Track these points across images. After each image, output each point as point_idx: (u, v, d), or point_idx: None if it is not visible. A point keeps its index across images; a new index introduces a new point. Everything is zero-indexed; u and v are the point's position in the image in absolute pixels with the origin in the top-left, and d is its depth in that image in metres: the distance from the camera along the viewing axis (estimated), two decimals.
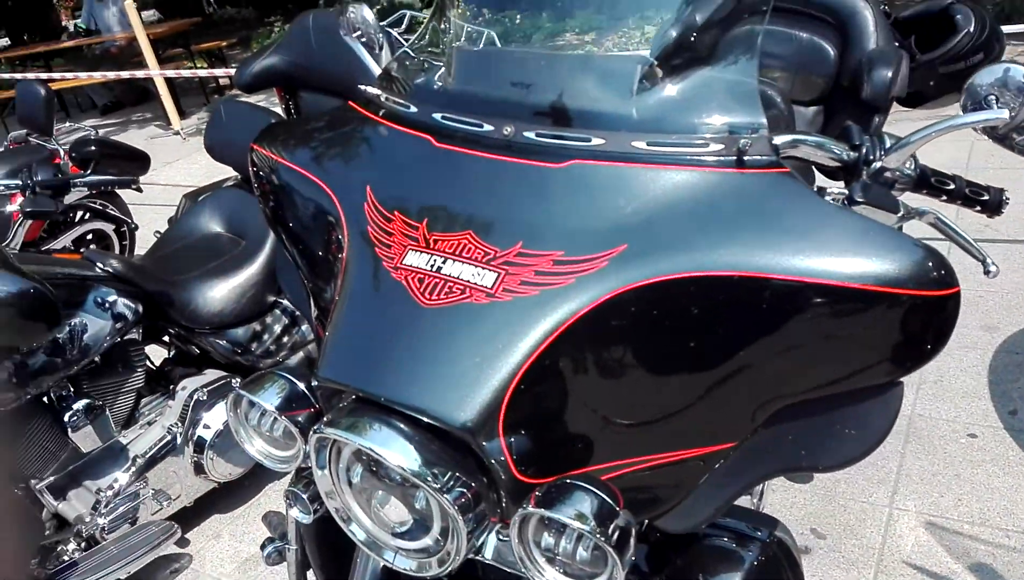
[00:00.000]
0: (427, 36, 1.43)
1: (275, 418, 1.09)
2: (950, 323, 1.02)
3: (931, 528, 2.04)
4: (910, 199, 1.20)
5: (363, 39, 1.82)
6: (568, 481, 0.96)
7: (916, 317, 1.00)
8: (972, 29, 2.17)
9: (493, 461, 0.95)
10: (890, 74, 2.01)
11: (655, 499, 1.07)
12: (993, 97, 1.13)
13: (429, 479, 0.92)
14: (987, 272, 1.19)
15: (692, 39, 1.46)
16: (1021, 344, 2.69)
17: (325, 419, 0.99)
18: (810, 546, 2.04)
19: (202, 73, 6.98)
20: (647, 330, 1.01)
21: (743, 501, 1.63)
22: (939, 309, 1.00)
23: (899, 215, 1.15)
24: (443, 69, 1.34)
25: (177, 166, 6.21)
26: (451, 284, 1.00)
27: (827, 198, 1.18)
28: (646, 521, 1.10)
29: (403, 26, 2.67)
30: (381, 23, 2.72)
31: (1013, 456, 2.24)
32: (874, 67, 2.02)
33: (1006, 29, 4.71)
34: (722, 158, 1.06)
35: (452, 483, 0.93)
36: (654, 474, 1.05)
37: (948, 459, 2.26)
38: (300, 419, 1.08)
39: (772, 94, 1.94)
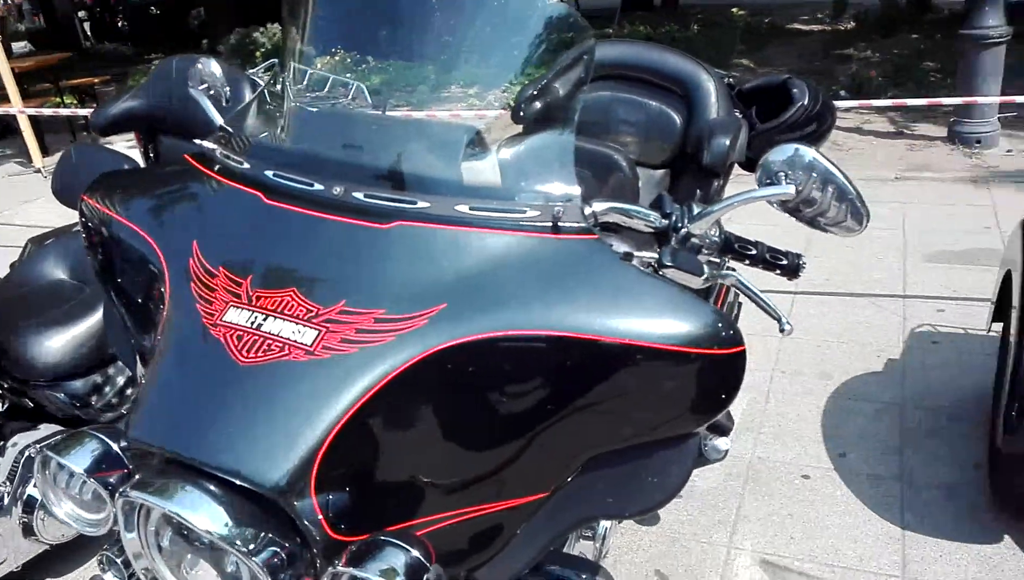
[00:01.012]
0: (275, 89, 1.45)
1: (84, 480, 1.07)
2: (739, 377, 1.12)
3: (765, 566, 2.15)
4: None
5: (211, 92, 1.82)
6: (381, 538, 0.98)
7: (710, 373, 1.09)
8: (807, 102, 2.38)
9: (305, 521, 0.96)
10: (728, 142, 2.18)
11: (472, 551, 1.11)
12: (783, 174, 1.25)
13: (237, 542, 0.92)
14: (782, 330, 1.29)
15: (537, 105, 1.55)
16: (852, 390, 2.90)
17: (132, 482, 0.97)
18: None
19: (64, 112, 6.70)
20: (463, 387, 1.05)
21: (586, 546, 1.69)
22: (730, 365, 1.09)
23: (703, 277, 1.24)
24: (281, 126, 1.36)
25: (37, 205, 5.89)
26: (270, 341, 1.02)
27: (637, 263, 1.26)
28: (463, 574, 1.13)
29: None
30: (250, 71, 2.71)
31: (841, 495, 2.40)
32: (714, 135, 2.18)
33: (852, 103, 5.14)
34: (538, 224, 1.12)
35: (262, 545, 0.94)
36: (471, 527, 1.09)
37: (783, 500, 2.40)
38: (111, 481, 1.06)
39: (618, 158, 2.06)
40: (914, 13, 8.83)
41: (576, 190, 1.15)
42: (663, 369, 1.06)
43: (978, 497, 2.32)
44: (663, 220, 1.26)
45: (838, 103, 4.19)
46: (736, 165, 2.35)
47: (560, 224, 1.11)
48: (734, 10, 9.51)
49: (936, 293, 3.51)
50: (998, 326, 2.54)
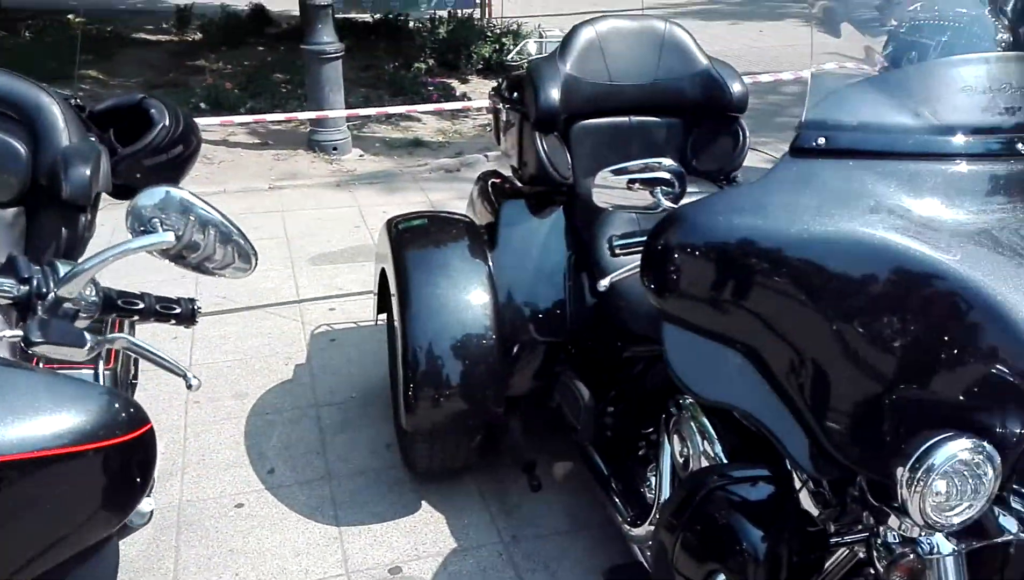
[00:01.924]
0: None
1: None
2: (152, 456, 1.00)
3: None
4: None
5: None
6: None
7: (117, 464, 0.94)
8: (168, 123, 2.25)
9: None
10: (88, 172, 1.93)
11: None
12: (158, 220, 1.15)
13: None
14: (189, 386, 1.20)
15: None
16: (268, 404, 2.93)
17: None
18: None
19: None
20: None
21: None
22: (138, 448, 0.96)
23: (88, 347, 1.07)
24: None
25: None
26: None
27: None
28: None
29: None
30: None
31: (277, 514, 2.41)
32: (70, 165, 1.92)
33: (214, 119, 5.10)
34: None
35: None
36: None
37: (221, 537, 2.31)
38: None
39: None
40: (256, 25, 9.27)
41: None
42: (53, 481, 0.87)
43: (397, 474, 2.56)
44: (22, 287, 1.05)
45: (202, 120, 4.14)
46: (105, 195, 2.13)
47: None
48: (70, 16, 8.71)
49: (325, 293, 3.77)
50: (383, 316, 2.83)
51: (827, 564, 1.32)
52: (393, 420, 2.69)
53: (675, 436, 1.79)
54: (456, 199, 4.80)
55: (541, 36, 4.29)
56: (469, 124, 6.56)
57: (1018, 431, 1.03)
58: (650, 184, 1.41)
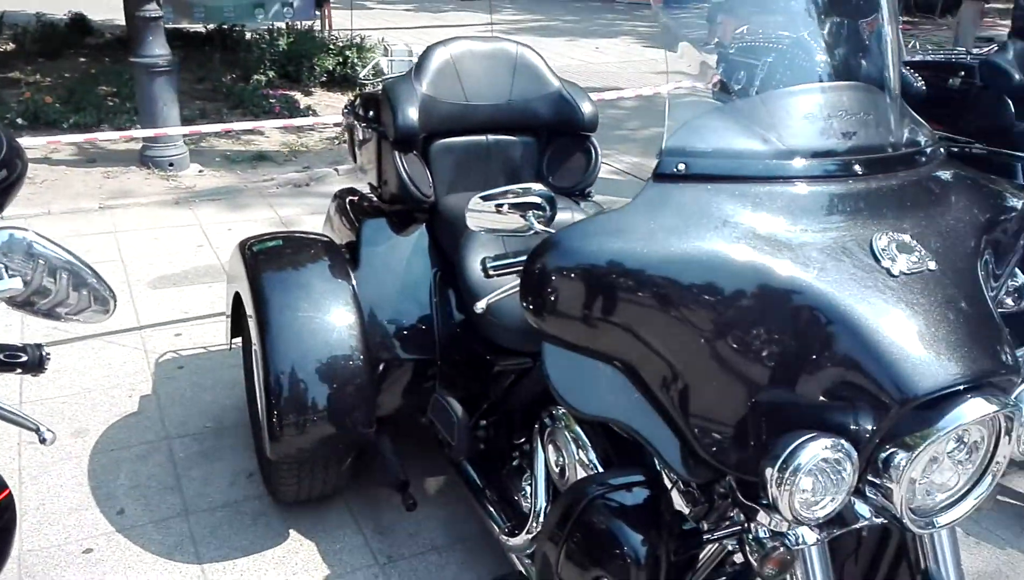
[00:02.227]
0: None
1: None
2: (11, 524, 0.95)
3: None
4: None
5: None
6: None
7: None
8: None
9: None
10: None
11: None
12: (2, 265, 1.07)
13: None
14: (43, 440, 1.13)
15: None
16: (113, 440, 2.74)
17: None
18: None
19: None
20: None
21: None
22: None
23: None
24: None
25: None
26: None
27: None
28: None
29: None
30: None
31: (131, 556, 2.25)
32: None
33: (40, 139, 4.72)
34: None
35: None
36: None
37: None
38: None
39: None
40: (76, 35, 8.64)
41: None
42: None
43: (260, 504, 2.46)
44: None
45: (27, 141, 3.84)
46: None
47: None
48: None
49: (169, 318, 3.57)
50: (238, 340, 2.71)
51: (701, 558, 1.41)
52: (255, 448, 2.59)
53: (549, 445, 1.83)
54: (308, 215, 4.69)
55: (387, 51, 4.27)
56: (316, 137, 6.42)
57: (871, 428, 1.14)
58: (522, 208, 1.44)
